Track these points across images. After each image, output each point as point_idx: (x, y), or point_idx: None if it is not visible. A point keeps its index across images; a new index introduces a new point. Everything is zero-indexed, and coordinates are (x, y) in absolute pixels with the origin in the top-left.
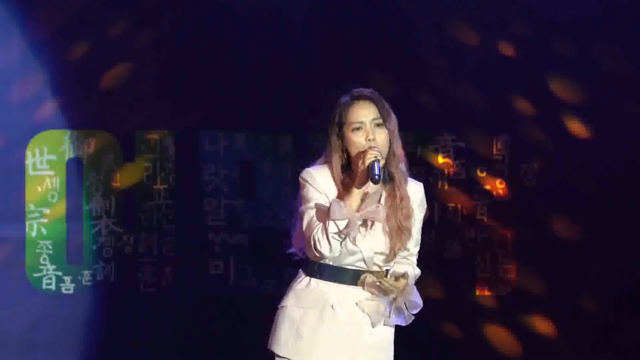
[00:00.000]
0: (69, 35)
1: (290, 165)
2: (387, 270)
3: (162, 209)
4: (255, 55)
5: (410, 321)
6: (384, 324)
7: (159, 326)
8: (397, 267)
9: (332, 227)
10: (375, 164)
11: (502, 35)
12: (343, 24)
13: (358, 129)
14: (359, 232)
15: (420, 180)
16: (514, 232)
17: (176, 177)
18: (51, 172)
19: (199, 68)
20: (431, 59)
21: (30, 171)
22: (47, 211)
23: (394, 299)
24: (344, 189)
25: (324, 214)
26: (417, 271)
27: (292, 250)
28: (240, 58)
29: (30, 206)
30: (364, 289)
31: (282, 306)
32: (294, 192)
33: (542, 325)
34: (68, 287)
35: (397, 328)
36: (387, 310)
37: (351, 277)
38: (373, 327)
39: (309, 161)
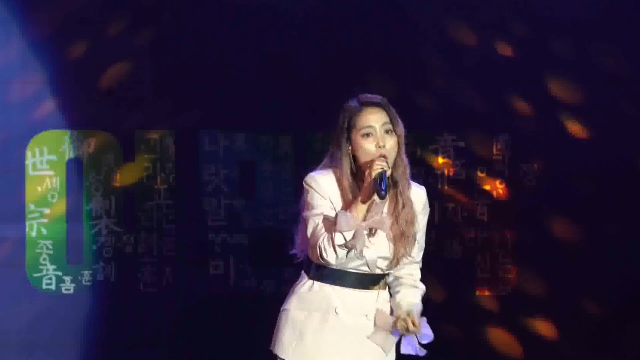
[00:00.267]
0: (69, 35)
1: (290, 165)
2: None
3: (162, 209)
4: (255, 55)
5: (424, 354)
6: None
7: (159, 326)
8: (401, 298)
9: (338, 239)
10: (383, 177)
11: (501, 35)
12: (343, 24)
13: (368, 134)
14: (365, 243)
15: (420, 181)
16: (514, 232)
17: (176, 177)
18: (51, 172)
19: (199, 68)
20: (431, 59)
21: (30, 171)
22: (47, 211)
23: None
24: (352, 195)
25: (329, 222)
26: (422, 288)
27: (294, 251)
28: (240, 58)
29: (30, 206)
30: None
31: (285, 309)
32: (294, 192)
33: (542, 326)
34: (68, 287)
35: None
36: (396, 339)
37: (355, 280)
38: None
39: (309, 161)
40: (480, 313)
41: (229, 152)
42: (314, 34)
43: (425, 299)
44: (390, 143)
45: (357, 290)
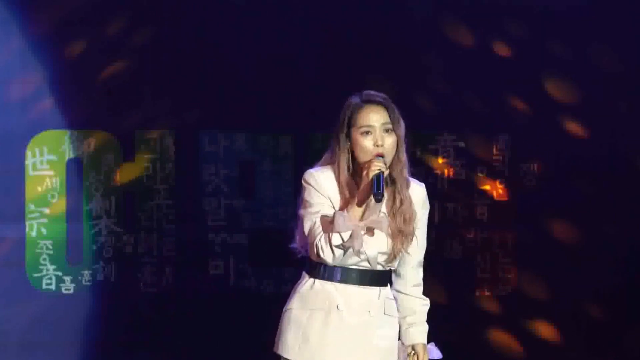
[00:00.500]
0: (69, 34)
1: (290, 165)
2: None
3: (162, 209)
4: (255, 55)
5: None
6: None
7: (159, 326)
8: (405, 332)
9: (336, 239)
10: (380, 177)
11: (501, 35)
12: (343, 24)
13: (367, 132)
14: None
15: (420, 181)
16: (514, 232)
17: (176, 177)
18: (51, 172)
19: (199, 68)
20: (431, 59)
21: (30, 171)
22: (47, 211)
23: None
24: (349, 193)
25: (326, 221)
26: (426, 304)
27: (294, 245)
28: (240, 58)
29: (30, 206)
30: None
31: (287, 309)
32: (294, 192)
33: (542, 326)
34: (68, 287)
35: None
36: None
37: (356, 277)
38: None
39: (309, 161)
40: (480, 313)
41: (229, 152)
42: (314, 34)
43: None
44: (389, 142)
45: (359, 287)
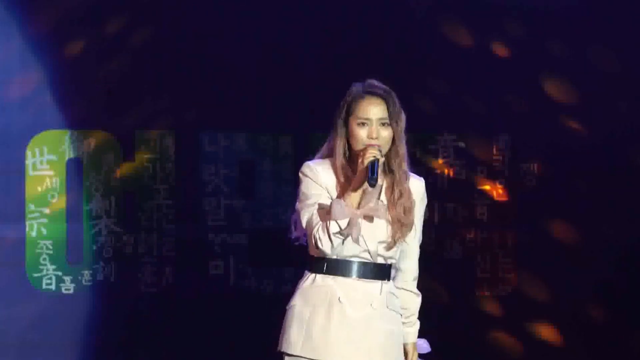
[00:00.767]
0: (68, 34)
1: (290, 165)
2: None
3: (162, 209)
4: (255, 55)
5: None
6: None
7: (159, 326)
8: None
9: (333, 227)
10: (375, 165)
11: (501, 36)
12: (343, 24)
13: (363, 124)
14: (360, 231)
15: None
16: (514, 232)
17: (176, 177)
18: (51, 172)
19: (199, 68)
20: (431, 59)
21: (30, 171)
22: (47, 211)
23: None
24: (345, 180)
25: (324, 212)
26: (420, 299)
27: (294, 235)
28: (240, 58)
29: (30, 206)
30: None
31: (290, 306)
32: (294, 192)
33: (542, 326)
34: (68, 287)
35: None
36: None
37: (356, 270)
38: None
39: (310, 159)
40: (479, 313)
41: (229, 152)
42: (314, 34)
43: (424, 300)
44: (384, 134)
45: (360, 280)
